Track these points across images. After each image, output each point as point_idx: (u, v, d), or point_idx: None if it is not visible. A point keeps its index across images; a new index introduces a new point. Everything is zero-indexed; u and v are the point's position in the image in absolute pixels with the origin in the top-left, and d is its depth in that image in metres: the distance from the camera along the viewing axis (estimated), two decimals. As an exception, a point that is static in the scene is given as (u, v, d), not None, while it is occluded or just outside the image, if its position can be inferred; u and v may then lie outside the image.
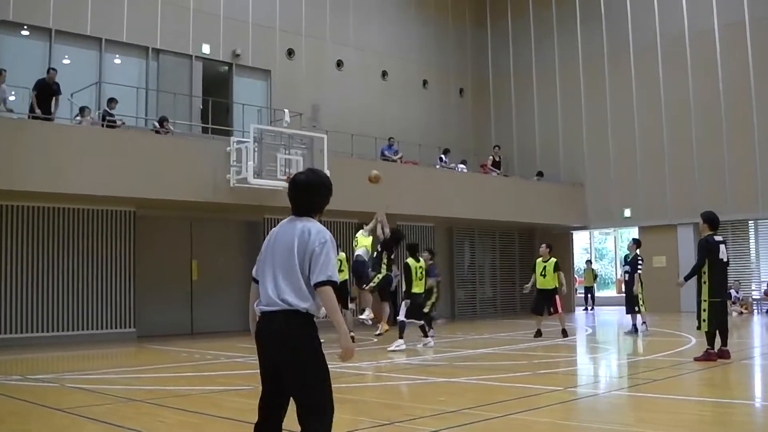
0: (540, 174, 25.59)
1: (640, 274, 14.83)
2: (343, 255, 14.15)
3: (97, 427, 6.24)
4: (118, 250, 16.66)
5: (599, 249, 28.19)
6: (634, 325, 14.91)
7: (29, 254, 15.52)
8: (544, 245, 15.49)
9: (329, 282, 3.66)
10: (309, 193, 3.90)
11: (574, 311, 25.15)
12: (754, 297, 22.65)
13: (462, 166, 23.58)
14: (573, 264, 26.54)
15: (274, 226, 3.98)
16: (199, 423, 6.46)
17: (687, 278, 10.49)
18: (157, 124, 17.25)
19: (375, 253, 13.91)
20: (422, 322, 13.21)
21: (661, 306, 20.14)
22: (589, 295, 26.52)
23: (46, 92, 15.44)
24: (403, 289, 13.26)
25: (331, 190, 3.97)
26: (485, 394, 7.93)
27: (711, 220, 10.19)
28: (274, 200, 16.65)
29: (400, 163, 21.42)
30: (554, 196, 24.73)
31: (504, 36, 28.09)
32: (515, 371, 9.60)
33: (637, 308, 14.73)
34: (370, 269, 13.83)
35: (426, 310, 14.39)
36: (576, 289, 26.64)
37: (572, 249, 26.83)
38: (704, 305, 9.89)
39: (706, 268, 9.93)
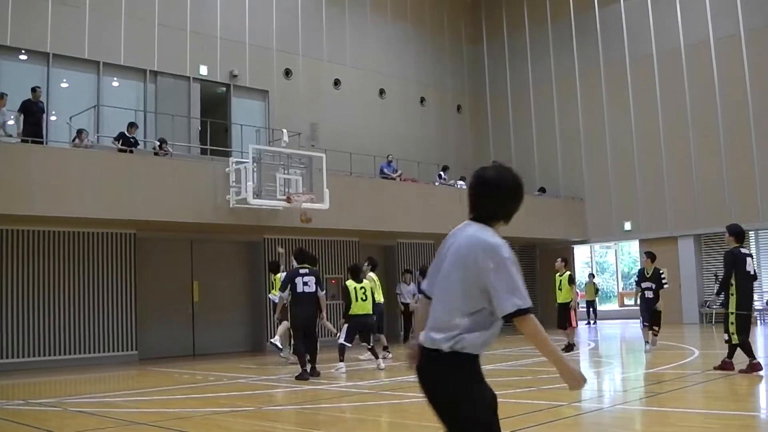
0: (542, 190, 25.62)
1: (665, 289, 14.26)
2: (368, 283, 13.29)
3: (99, 452, 6.20)
4: (119, 272, 16.66)
5: (600, 263, 28.17)
6: (647, 341, 14.21)
7: (30, 278, 15.52)
8: (559, 259, 15.29)
9: None
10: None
11: (577, 325, 24.98)
12: (756, 308, 22.57)
13: (461, 182, 23.57)
14: (574, 278, 26.39)
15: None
16: (202, 445, 6.42)
17: (718, 293, 10.45)
18: (156, 146, 17.30)
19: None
20: (371, 345, 12.82)
21: (663, 318, 19.95)
22: (591, 309, 26.43)
23: (32, 112, 15.41)
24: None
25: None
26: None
27: (737, 233, 10.15)
28: (274, 220, 16.62)
29: (399, 181, 21.45)
30: (554, 211, 24.74)
31: (500, 52, 28.25)
32: (519, 387, 9.54)
33: (657, 327, 14.17)
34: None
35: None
36: (578, 303, 26.49)
37: (573, 263, 26.76)
38: (731, 318, 9.85)
39: (733, 280, 9.86)
